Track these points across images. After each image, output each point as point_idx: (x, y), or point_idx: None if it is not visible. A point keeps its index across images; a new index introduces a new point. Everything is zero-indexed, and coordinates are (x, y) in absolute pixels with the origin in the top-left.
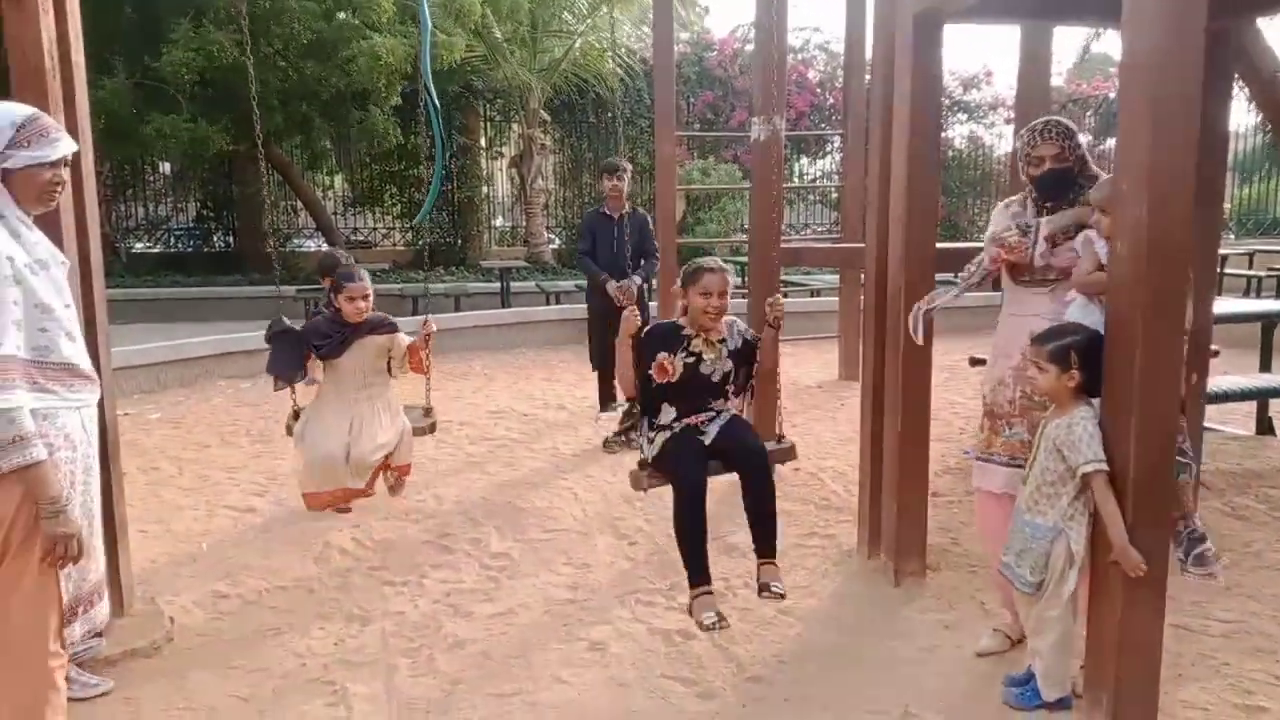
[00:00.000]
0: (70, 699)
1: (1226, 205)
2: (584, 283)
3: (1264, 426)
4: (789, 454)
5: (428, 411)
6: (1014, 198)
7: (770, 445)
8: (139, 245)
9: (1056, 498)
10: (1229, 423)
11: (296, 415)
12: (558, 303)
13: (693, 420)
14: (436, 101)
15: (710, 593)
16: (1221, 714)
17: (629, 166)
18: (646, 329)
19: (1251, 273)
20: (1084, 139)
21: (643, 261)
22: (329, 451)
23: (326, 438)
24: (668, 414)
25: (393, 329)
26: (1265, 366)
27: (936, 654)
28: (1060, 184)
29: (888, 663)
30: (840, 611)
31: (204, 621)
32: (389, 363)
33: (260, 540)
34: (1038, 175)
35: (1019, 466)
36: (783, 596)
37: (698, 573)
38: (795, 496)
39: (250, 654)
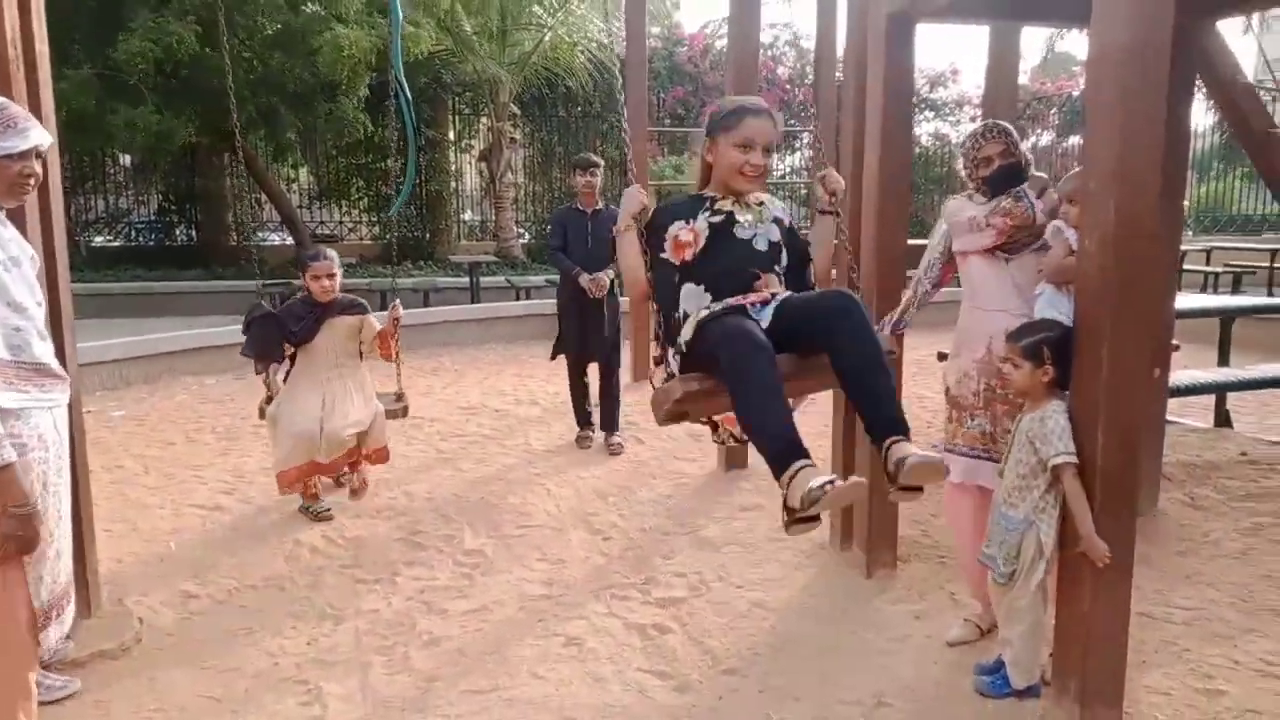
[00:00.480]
0: (38, 702)
1: (1185, 203)
2: (554, 277)
3: (1222, 419)
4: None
5: (399, 396)
6: (961, 195)
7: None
8: (99, 239)
9: (1029, 490)
10: (1188, 415)
11: (270, 400)
12: (528, 298)
13: (740, 301)
14: (408, 93)
15: (810, 464)
16: (1183, 698)
17: (601, 162)
18: (656, 207)
19: (1209, 269)
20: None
21: (612, 260)
22: (302, 427)
23: (299, 414)
24: (693, 298)
25: (362, 310)
26: (1224, 360)
27: (908, 644)
28: (1011, 179)
29: (861, 653)
30: (814, 603)
31: (173, 621)
32: (360, 345)
33: (229, 539)
34: (989, 175)
35: (978, 458)
36: (941, 467)
37: (790, 445)
38: (767, 491)
39: (221, 654)
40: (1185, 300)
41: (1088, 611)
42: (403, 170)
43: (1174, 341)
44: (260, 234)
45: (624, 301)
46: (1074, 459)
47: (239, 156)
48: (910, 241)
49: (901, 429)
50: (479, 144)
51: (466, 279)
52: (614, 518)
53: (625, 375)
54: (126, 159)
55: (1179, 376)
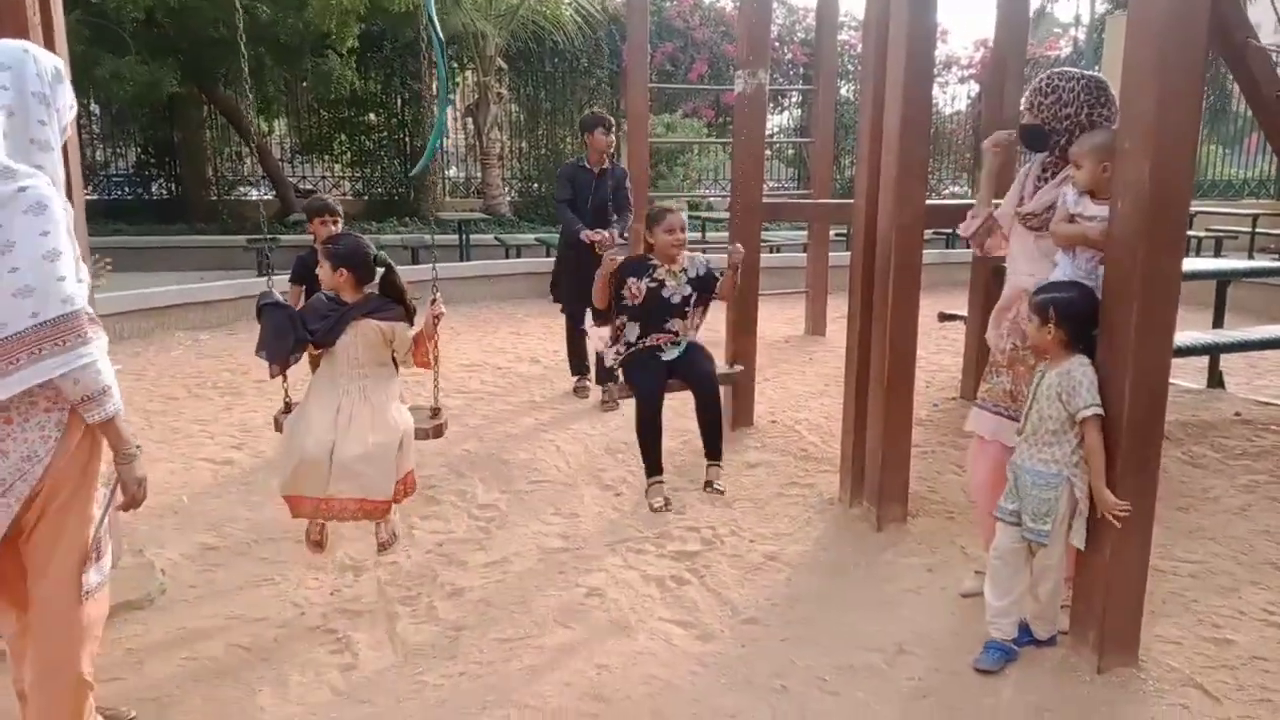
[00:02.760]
0: None
1: None
2: (544, 235)
3: (1215, 380)
4: (734, 378)
5: (435, 412)
6: (1030, 162)
7: (722, 369)
8: None
9: (1058, 445)
10: (1182, 376)
11: (288, 408)
12: (518, 256)
13: (654, 341)
14: (441, 36)
15: (662, 482)
16: (1194, 647)
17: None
18: (621, 262)
19: (1191, 233)
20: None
21: (616, 217)
22: (309, 450)
23: (309, 433)
24: (632, 331)
25: (393, 317)
26: (1218, 322)
27: (923, 595)
28: (1033, 139)
29: (876, 604)
30: (826, 557)
31: (195, 574)
32: (393, 355)
33: (242, 492)
34: (1018, 130)
35: (1001, 415)
36: (722, 493)
37: (653, 467)
38: (774, 448)
39: (246, 604)
40: (1184, 264)
41: (1108, 563)
42: (433, 125)
43: None
44: (241, 189)
45: None
46: (1101, 411)
47: (249, 105)
48: (928, 203)
49: (717, 456)
50: (464, 99)
51: (455, 236)
52: (624, 473)
53: None
54: (96, 109)
55: (1178, 338)
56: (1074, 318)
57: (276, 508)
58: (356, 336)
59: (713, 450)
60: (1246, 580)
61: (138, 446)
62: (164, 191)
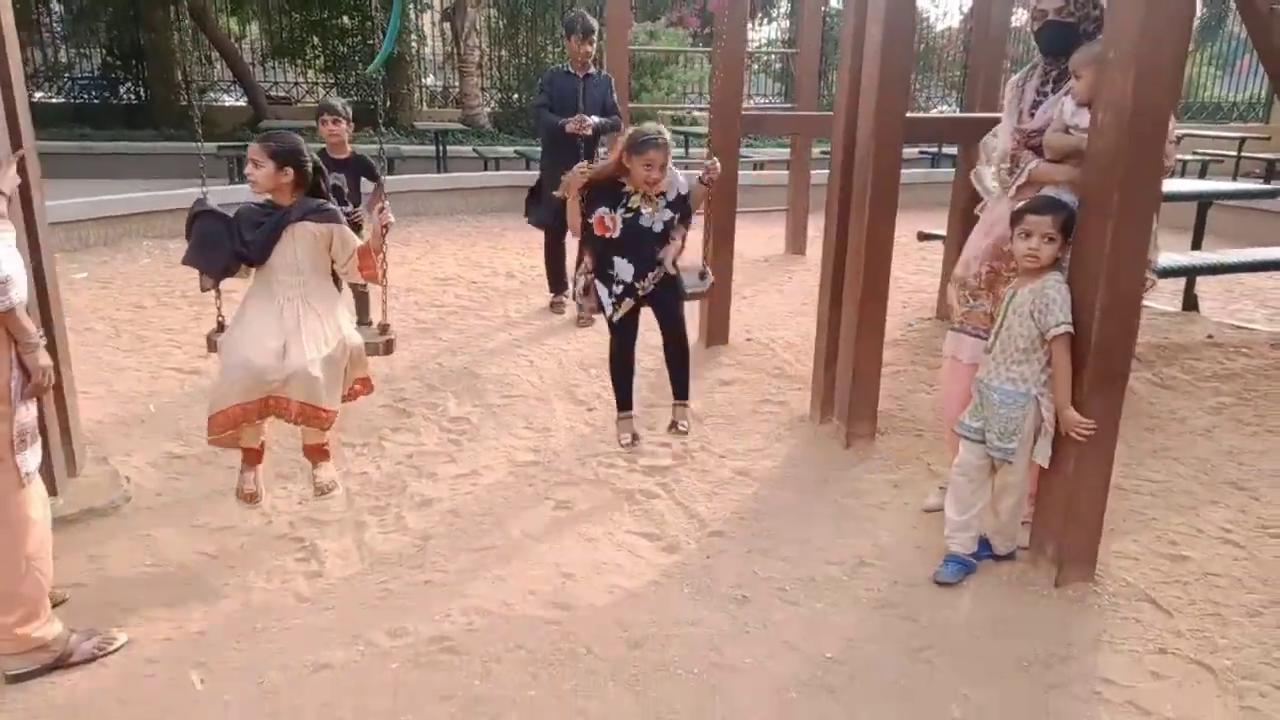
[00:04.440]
0: None
1: None
2: (524, 149)
3: (1190, 303)
4: (707, 292)
5: (384, 328)
6: (1025, 67)
7: (694, 283)
8: (39, 95)
9: (1026, 364)
10: (1157, 299)
11: (221, 327)
12: (497, 169)
13: (651, 282)
14: None
15: (631, 417)
16: (1149, 563)
17: (598, 28)
18: (591, 184)
19: (1179, 156)
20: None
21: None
22: (258, 354)
23: (255, 341)
24: (624, 269)
25: (331, 218)
26: (1197, 245)
27: (886, 510)
28: (1058, 40)
29: (841, 518)
30: (794, 472)
31: (161, 481)
32: (332, 265)
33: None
34: (1037, 29)
35: (981, 338)
36: (685, 433)
37: (623, 402)
38: (749, 365)
39: (213, 512)
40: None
41: (1070, 481)
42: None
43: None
44: (211, 94)
45: None
46: (1071, 329)
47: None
48: (908, 115)
49: (684, 397)
50: (441, 3)
51: (432, 147)
52: (597, 389)
53: None
54: (60, 7)
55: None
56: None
57: None
58: (294, 241)
59: (680, 391)
60: (1206, 499)
61: (41, 335)
62: (132, 96)
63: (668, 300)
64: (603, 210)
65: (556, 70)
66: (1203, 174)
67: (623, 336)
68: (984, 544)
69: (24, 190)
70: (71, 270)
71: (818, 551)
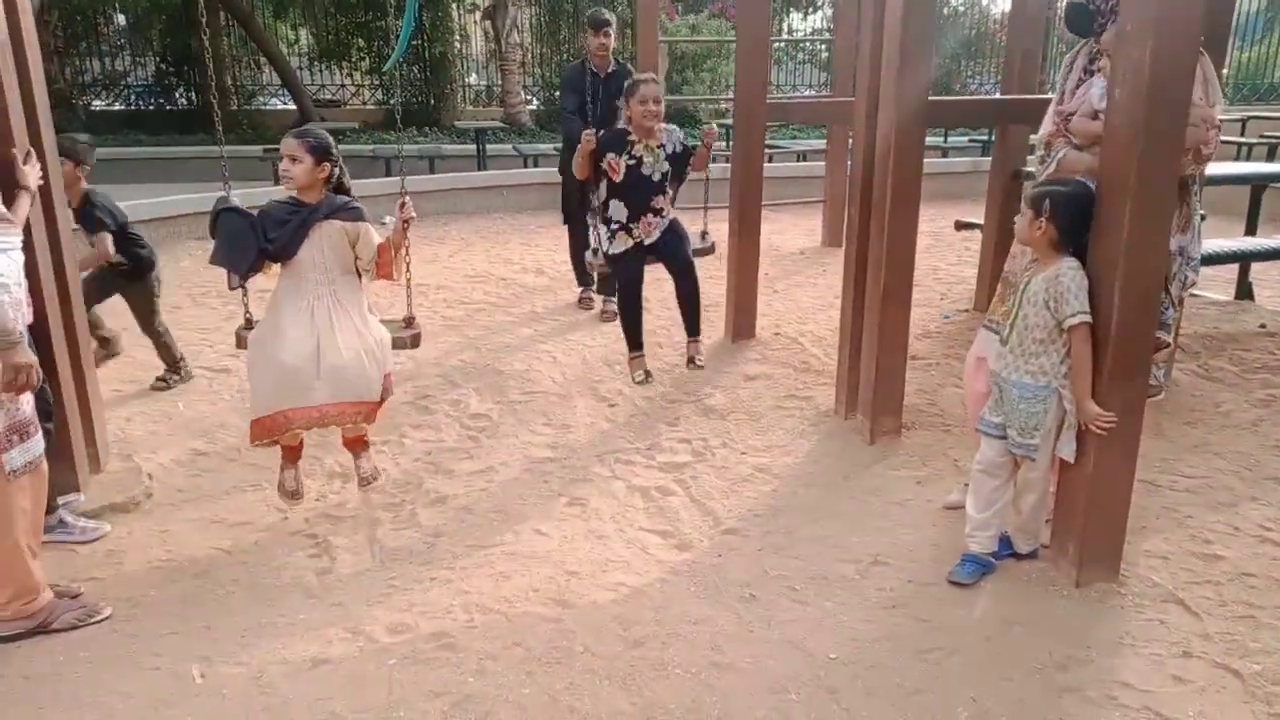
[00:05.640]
0: (72, 542)
1: (1224, 71)
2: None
3: (1244, 291)
4: (710, 250)
5: (409, 321)
6: (1080, 44)
7: (696, 244)
8: (98, 103)
9: (1045, 355)
10: (1210, 288)
11: (250, 324)
12: (536, 166)
13: (641, 226)
14: None
15: (643, 356)
16: (1180, 562)
17: (614, 20)
18: (601, 136)
19: (1244, 140)
20: None
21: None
22: (291, 356)
23: (288, 343)
24: (619, 211)
25: (358, 216)
26: (1251, 230)
27: (907, 507)
28: (1076, 21)
29: (860, 516)
30: (815, 469)
31: (184, 478)
32: (356, 263)
33: (236, 400)
34: (1064, 10)
35: None
36: (702, 367)
37: (634, 342)
38: (775, 360)
39: (231, 508)
40: (1213, 168)
41: (1091, 476)
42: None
43: (1200, 212)
44: (260, 98)
45: None
46: (1089, 319)
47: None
48: (932, 99)
49: (696, 333)
50: (483, 1)
51: (473, 146)
52: (620, 385)
53: None
54: (120, 18)
55: (1206, 245)
56: (1069, 215)
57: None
58: (321, 240)
59: (692, 327)
60: (1246, 496)
61: (21, 333)
62: (185, 101)
63: (673, 245)
64: (611, 155)
65: (577, 68)
66: (1270, 157)
67: (626, 274)
68: (1005, 542)
69: (44, 191)
70: None
71: (833, 550)
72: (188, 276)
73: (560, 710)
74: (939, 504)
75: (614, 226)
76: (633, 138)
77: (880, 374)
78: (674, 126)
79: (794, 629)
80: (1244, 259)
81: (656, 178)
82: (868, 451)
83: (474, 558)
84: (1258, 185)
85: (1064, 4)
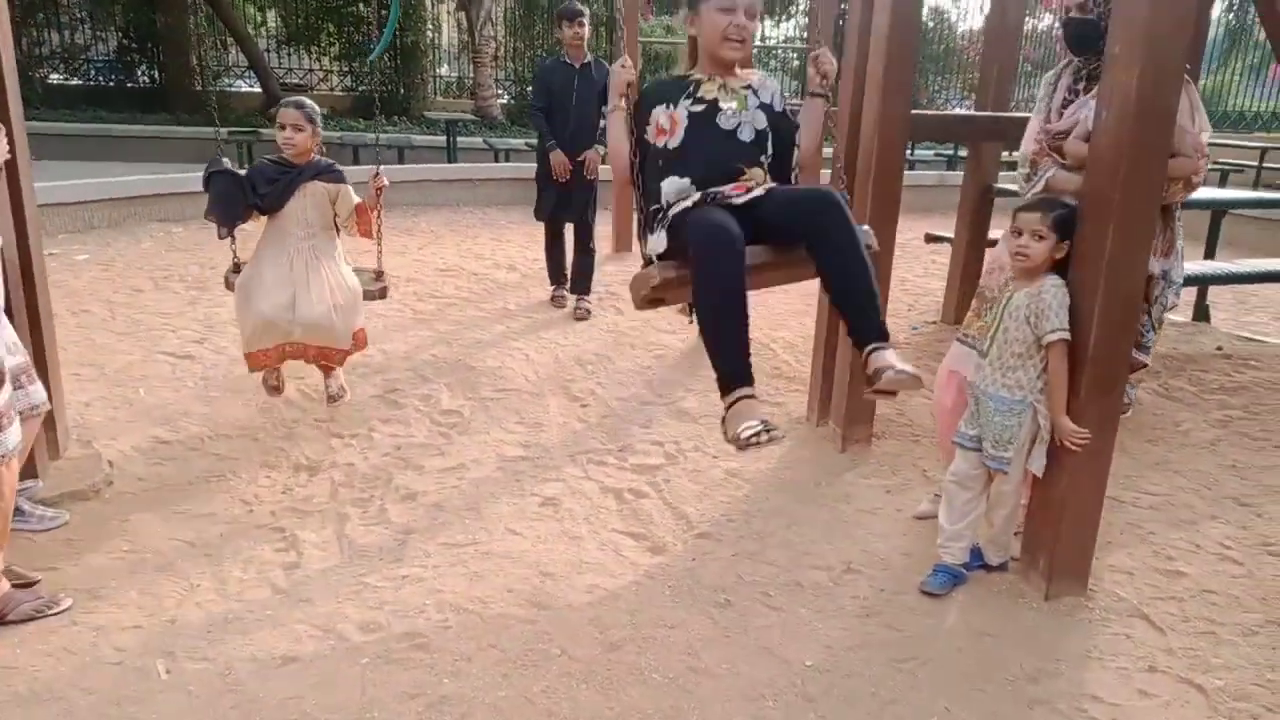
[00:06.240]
0: (29, 530)
1: None
2: (535, 141)
3: (1201, 314)
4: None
5: (379, 275)
6: (1061, 64)
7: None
8: (55, 77)
9: (1022, 370)
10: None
11: (237, 269)
12: (507, 161)
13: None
14: None
15: (754, 396)
16: (1144, 578)
17: (587, 10)
18: (645, 88)
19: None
20: None
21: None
22: (269, 307)
23: (267, 292)
24: (673, 188)
25: (340, 178)
26: (1210, 254)
27: (878, 516)
28: (1081, 36)
29: (831, 523)
30: (788, 475)
31: (144, 467)
32: (334, 219)
33: (200, 387)
34: (1064, 26)
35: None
36: (917, 379)
37: (736, 373)
38: None
39: (194, 499)
40: None
41: (1064, 492)
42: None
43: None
44: (225, 80)
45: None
46: (1068, 336)
47: None
48: (914, 112)
49: (882, 334)
50: None
51: (443, 138)
52: (592, 385)
53: (605, 245)
54: None
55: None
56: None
57: (233, 404)
58: (306, 198)
59: (873, 324)
60: (1206, 514)
61: None
62: (147, 79)
63: (777, 194)
64: (659, 110)
65: (553, 62)
66: (1222, 182)
67: (728, 259)
68: (976, 554)
69: (10, 167)
70: (74, 251)
71: (805, 556)
72: (149, 259)
73: (538, 713)
74: (909, 513)
75: (665, 212)
76: (697, 76)
77: (853, 383)
78: (768, 74)
79: (769, 635)
80: (1203, 283)
81: (746, 135)
82: (839, 459)
83: (446, 556)
84: (1218, 210)
85: (1066, 20)
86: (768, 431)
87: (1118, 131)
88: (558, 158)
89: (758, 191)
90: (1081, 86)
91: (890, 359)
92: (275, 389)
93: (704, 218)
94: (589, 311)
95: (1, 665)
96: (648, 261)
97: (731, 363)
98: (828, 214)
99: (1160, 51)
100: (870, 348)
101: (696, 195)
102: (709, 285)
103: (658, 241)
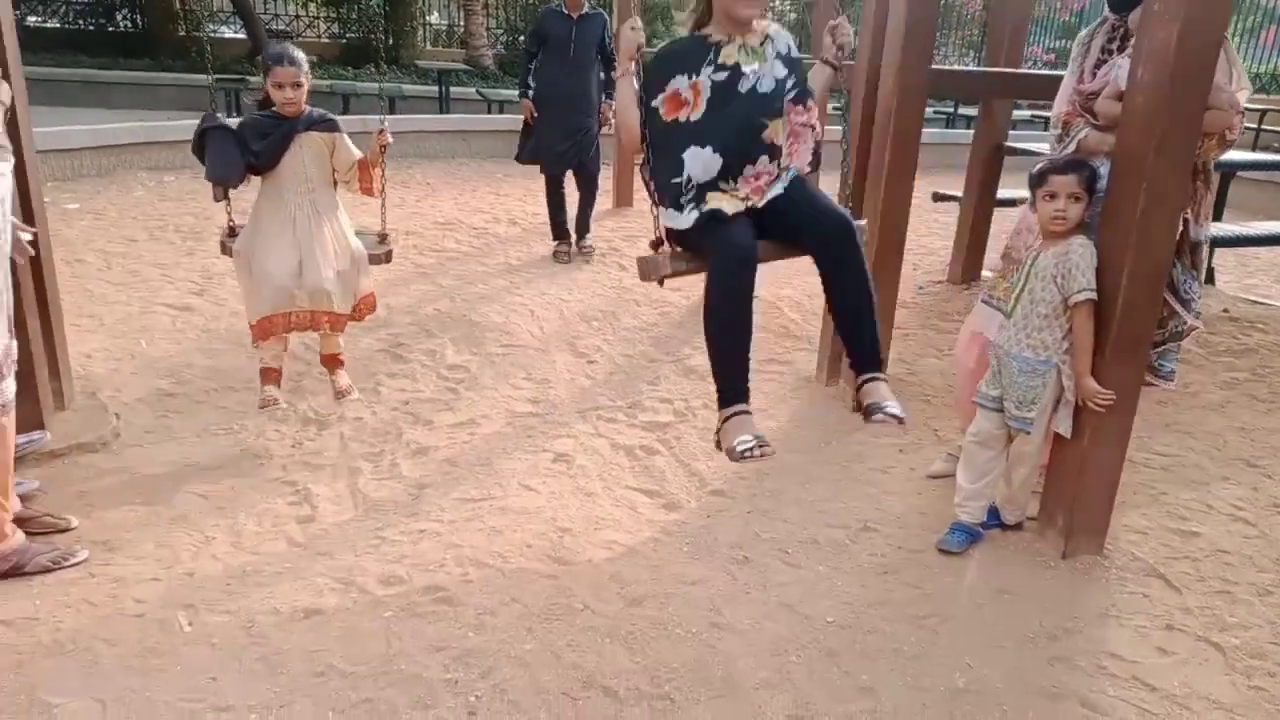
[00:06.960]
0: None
1: None
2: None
3: (1207, 276)
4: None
5: (383, 238)
6: (1095, 22)
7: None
8: (33, 19)
9: (1048, 330)
10: None
11: (233, 232)
12: (501, 112)
13: (746, 184)
14: None
15: (748, 412)
16: (1159, 538)
17: None
18: (656, 55)
19: None
20: None
21: (604, 77)
22: (274, 275)
23: (270, 257)
24: (698, 164)
25: (335, 127)
26: (1215, 217)
27: (891, 475)
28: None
29: (846, 481)
30: (799, 434)
31: (151, 419)
32: (333, 174)
33: (202, 340)
34: None
35: None
36: (901, 421)
37: (732, 390)
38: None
39: (203, 452)
40: None
41: (1084, 451)
42: None
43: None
44: (210, 25)
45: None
46: (1094, 296)
47: None
48: (933, 67)
49: (876, 366)
50: None
51: (435, 88)
52: (598, 342)
53: (605, 200)
54: None
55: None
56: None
57: (237, 357)
58: (303, 151)
59: (870, 354)
60: (1217, 475)
61: None
62: (128, 23)
63: (803, 195)
64: (677, 82)
65: (548, 10)
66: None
67: (741, 264)
68: (992, 513)
69: (9, 113)
70: (64, 200)
71: (820, 515)
72: (141, 207)
73: (564, 667)
74: (921, 473)
75: (689, 191)
76: (715, 39)
77: None
78: (778, 26)
79: (789, 592)
80: (1213, 245)
81: (766, 87)
82: (850, 418)
83: (462, 511)
84: (1226, 172)
85: None
86: (760, 448)
87: (1154, 90)
88: (525, 106)
89: (776, 189)
90: (1115, 46)
91: (882, 394)
92: (273, 400)
93: (732, 239)
94: (594, 250)
95: (23, 616)
96: (659, 238)
97: (731, 381)
98: (845, 246)
99: (1200, 8)
100: (866, 377)
101: (728, 205)
102: (722, 304)
103: (683, 219)
